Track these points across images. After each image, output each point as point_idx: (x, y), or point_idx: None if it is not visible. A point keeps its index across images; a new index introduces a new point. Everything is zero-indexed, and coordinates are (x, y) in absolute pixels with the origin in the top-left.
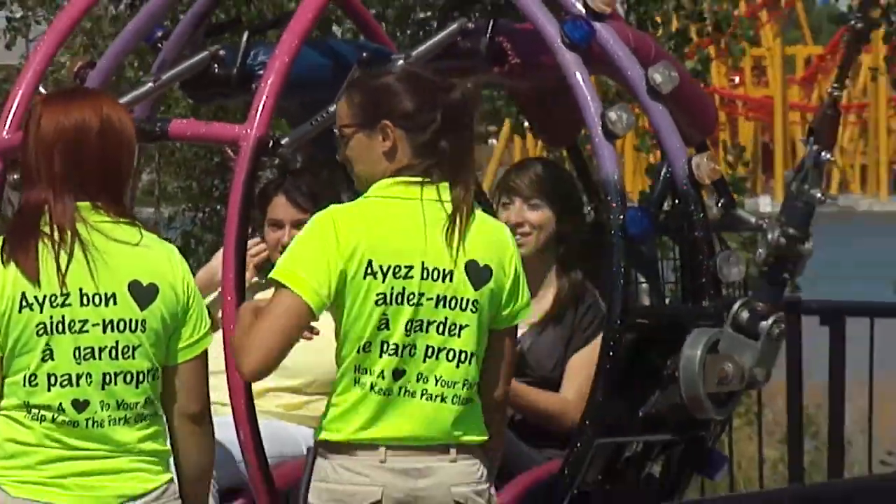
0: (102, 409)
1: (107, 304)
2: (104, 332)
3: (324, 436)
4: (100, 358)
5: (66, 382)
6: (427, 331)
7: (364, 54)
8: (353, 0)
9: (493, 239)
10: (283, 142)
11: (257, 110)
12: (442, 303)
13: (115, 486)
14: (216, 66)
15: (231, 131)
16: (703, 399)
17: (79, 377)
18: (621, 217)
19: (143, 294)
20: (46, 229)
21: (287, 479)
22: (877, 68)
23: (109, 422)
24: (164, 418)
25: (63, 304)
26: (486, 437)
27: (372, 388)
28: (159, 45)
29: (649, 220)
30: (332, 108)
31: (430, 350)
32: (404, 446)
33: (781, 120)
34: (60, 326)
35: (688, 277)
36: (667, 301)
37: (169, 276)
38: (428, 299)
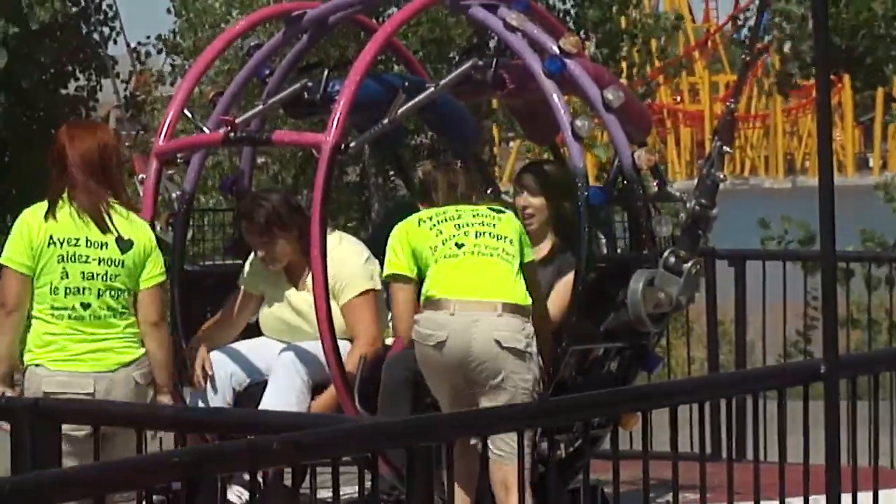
0: (99, 309)
1: (101, 248)
2: (99, 264)
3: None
4: (95, 279)
5: (76, 292)
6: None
7: (406, 83)
8: (399, 46)
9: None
10: (351, 145)
11: (333, 122)
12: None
13: (112, 358)
14: (306, 93)
15: (316, 138)
16: (644, 318)
17: (83, 289)
18: (585, 193)
19: (124, 245)
20: (75, 203)
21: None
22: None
23: (104, 317)
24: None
25: (75, 245)
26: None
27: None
28: (266, 80)
29: (605, 194)
30: (384, 121)
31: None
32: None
33: (710, 126)
34: (73, 258)
35: (633, 234)
36: (619, 250)
37: (141, 237)
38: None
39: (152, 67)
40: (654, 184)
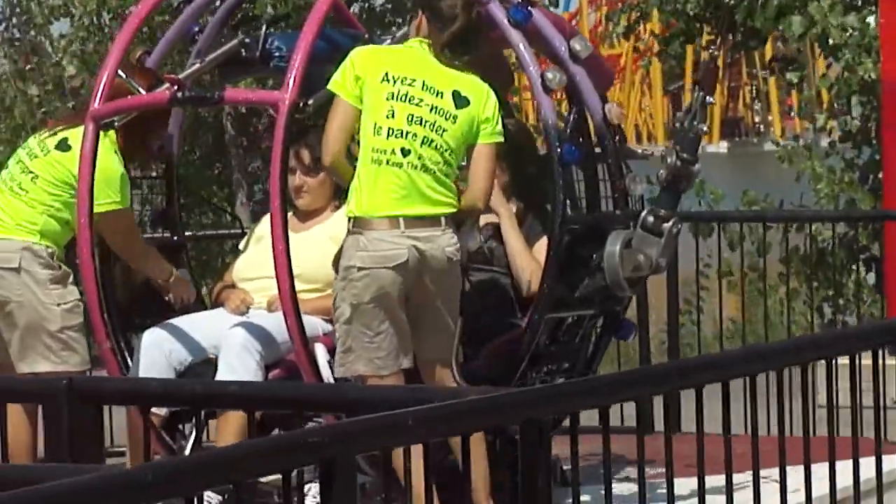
0: None
1: None
2: None
3: None
4: None
5: None
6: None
7: (364, 37)
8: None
9: (476, 84)
10: (309, 102)
11: (290, 80)
12: (434, 110)
13: None
14: (243, 50)
15: (273, 96)
16: (622, 282)
17: None
18: (559, 150)
19: None
20: None
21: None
22: None
23: None
24: None
25: None
26: None
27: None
28: (195, 38)
29: (580, 151)
30: None
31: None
32: None
33: None
34: None
35: (592, 194)
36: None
37: None
38: (424, 104)
39: None
40: (615, 140)
